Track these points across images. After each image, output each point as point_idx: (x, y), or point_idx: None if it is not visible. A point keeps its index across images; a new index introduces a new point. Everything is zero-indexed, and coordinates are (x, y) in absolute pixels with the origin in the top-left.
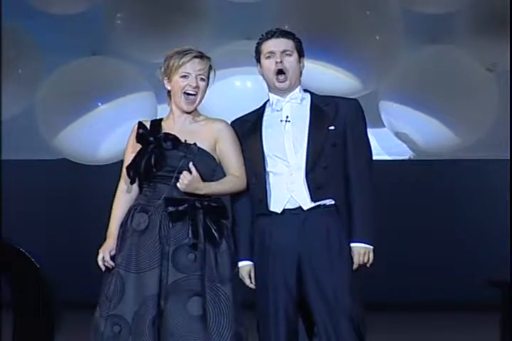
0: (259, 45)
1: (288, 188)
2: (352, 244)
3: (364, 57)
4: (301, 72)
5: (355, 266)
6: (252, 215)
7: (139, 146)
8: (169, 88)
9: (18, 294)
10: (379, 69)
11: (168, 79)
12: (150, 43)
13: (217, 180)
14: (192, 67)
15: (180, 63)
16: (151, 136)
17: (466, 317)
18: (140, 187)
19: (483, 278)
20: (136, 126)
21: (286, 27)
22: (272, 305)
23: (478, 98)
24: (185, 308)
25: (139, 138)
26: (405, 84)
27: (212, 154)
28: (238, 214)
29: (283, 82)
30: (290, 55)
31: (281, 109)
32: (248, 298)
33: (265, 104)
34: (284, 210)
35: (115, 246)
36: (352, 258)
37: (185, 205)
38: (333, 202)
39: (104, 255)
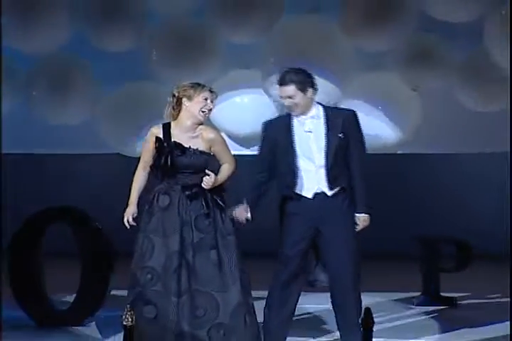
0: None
1: (317, 180)
2: (357, 214)
3: (331, 79)
4: (311, 99)
5: (359, 229)
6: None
7: (150, 142)
8: (187, 105)
9: (85, 247)
10: (340, 89)
11: (188, 99)
12: (177, 72)
13: (208, 166)
14: (209, 95)
15: (203, 90)
16: (165, 142)
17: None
18: (161, 177)
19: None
20: (153, 129)
21: (272, 59)
22: (293, 245)
23: (402, 108)
24: (209, 258)
25: (157, 145)
26: (359, 96)
27: (206, 151)
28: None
29: (294, 112)
30: (293, 97)
31: (303, 124)
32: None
33: (290, 115)
34: (314, 194)
35: (136, 210)
36: (353, 219)
37: (197, 189)
38: (343, 186)
39: (128, 218)
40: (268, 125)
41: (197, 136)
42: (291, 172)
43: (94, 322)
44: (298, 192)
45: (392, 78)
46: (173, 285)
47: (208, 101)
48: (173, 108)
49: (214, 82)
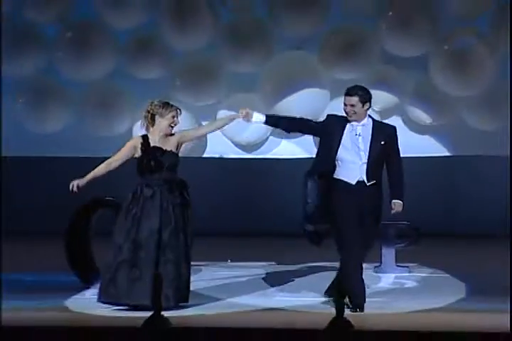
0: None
1: (360, 171)
2: (393, 200)
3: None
4: (366, 110)
5: (394, 212)
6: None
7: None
8: (159, 120)
9: None
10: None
11: (160, 116)
12: (193, 94)
13: (177, 165)
14: (176, 113)
15: (172, 110)
16: (147, 147)
17: None
18: (142, 174)
19: None
20: (135, 138)
21: (267, 85)
22: (349, 222)
23: None
24: (179, 237)
25: (143, 149)
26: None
27: (176, 152)
28: None
29: (351, 118)
30: (354, 106)
31: (355, 129)
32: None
33: (347, 119)
34: (356, 182)
35: (84, 183)
36: (381, 204)
37: (173, 184)
38: (376, 180)
39: (73, 185)
40: (330, 117)
41: (169, 140)
42: (333, 163)
43: None
44: (342, 179)
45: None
46: (153, 254)
47: (175, 118)
48: (148, 122)
49: (221, 102)
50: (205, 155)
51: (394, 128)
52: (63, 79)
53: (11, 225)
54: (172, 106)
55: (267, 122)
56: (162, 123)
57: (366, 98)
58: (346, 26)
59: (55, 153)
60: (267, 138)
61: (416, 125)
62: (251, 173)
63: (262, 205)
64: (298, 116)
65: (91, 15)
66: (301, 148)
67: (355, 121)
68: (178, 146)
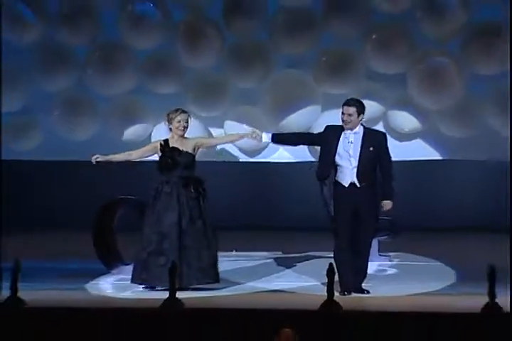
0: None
1: (351, 175)
2: (383, 201)
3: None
4: (360, 120)
5: (384, 210)
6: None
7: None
8: (170, 126)
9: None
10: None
11: (169, 122)
12: (204, 107)
13: (194, 165)
14: (182, 117)
15: (176, 115)
16: (167, 147)
17: None
18: (162, 172)
19: None
20: (159, 140)
21: (267, 99)
22: (342, 218)
23: None
24: (196, 226)
25: (162, 149)
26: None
27: (193, 153)
28: None
29: (346, 126)
30: (351, 115)
31: (348, 138)
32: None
33: (342, 128)
34: (349, 184)
35: (105, 159)
36: (374, 203)
37: (188, 180)
38: (368, 182)
39: (100, 157)
40: (328, 127)
41: (186, 143)
42: (333, 167)
43: None
44: (339, 181)
45: None
46: (176, 243)
47: (181, 122)
48: (169, 128)
49: (226, 114)
50: (215, 160)
51: (383, 134)
52: (92, 94)
53: (46, 220)
54: (178, 111)
55: (273, 141)
56: (172, 127)
57: (362, 110)
58: (336, 48)
59: (85, 157)
60: (267, 145)
61: (396, 133)
62: (253, 175)
63: (262, 202)
64: (295, 125)
65: (116, 37)
66: (295, 154)
67: (349, 129)
68: (195, 149)
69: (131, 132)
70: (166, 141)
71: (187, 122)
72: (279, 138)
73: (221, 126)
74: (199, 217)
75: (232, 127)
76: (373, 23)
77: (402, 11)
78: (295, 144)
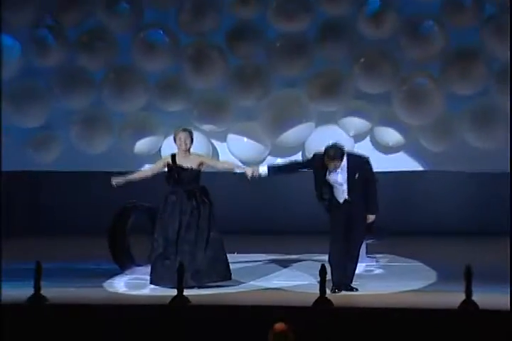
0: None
1: (343, 195)
2: (369, 215)
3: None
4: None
5: (370, 221)
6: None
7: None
8: (175, 143)
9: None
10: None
11: (174, 140)
12: (206, 122)
13: (199, 178)
14: (183, 135)
15: (177, 133)
16: (173, 164)
17: None
18: (170, 184)
19: None
20: (168, 156)
21: (266, 115)
22: (338, 225)
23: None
24: (195, 233)
25: (169, 165)
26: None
27: (197, 168)
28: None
29: (335, 170)
30: (336, 164)
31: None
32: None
33: None
34: (343, 201)
35: (124, 181)
36: (364, 214)
37: (192, 192)
38: (357, 199)
39: (119, 180)
40: (316, 155)
41: (191, 159)
42: (330, 189)
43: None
44: (335, 197)
45: (336, 128)
46: (175, 248)
47: (182, 139)
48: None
49: (229, 129)
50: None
51: (366, 159)
52: (107, 111)
53: (66, 225)
54: (179, 130)
55: (269, 173)
56: (177, 143)
57: (343, 157)
58: (328, 70)
59: (101, 168)
60: (265, 157)
61: (381, 146)
62: (253, 183)
63: (262, 208)
64: (291, 139)
65: (129, 61)
66: None
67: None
68: (199, 165)
69: (142, 145)
70: (174, 156)
71: (188, 139)
72: (274, 170)
73: (224, 140)
74: (199, 225)
75: (234, 141)
76: (361, 48)
77: (387, 37)
78: (288, 173)
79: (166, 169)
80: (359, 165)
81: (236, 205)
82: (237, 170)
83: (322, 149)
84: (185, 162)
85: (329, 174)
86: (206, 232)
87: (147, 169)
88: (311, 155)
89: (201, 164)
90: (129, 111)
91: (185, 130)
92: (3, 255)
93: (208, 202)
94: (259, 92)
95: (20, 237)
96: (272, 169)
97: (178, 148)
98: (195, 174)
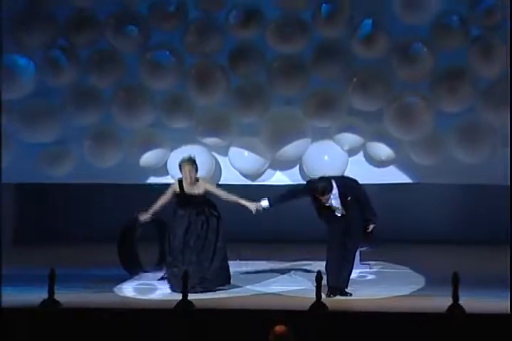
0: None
1: (340, 211)
2: (369, 223)
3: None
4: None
5: (370, 229)
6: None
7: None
8: (181, 173)
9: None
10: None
11: (180, 170)
12: (210, 137)
13: (205, 198)
14: (188, 166)
15: (183, 165)
16: (181, 191)
17: None
18: (178, 205)
19: None
20: (175, 185)
21: (266, 131)
22: (336, 234)
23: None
24: (202, 244)
25: (177, 193)
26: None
27: (203, 193)
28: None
29: (326, 201)
30: (326, 197)
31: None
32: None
33: None
34: (341, 215)
35: (149, 215)
36: (360, 223)
37: (200, 209)
38: (354, 212)
39: (146, 215)
40: (310, 182)
41: (198, 186)
42: (328, 210)
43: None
44: (337, 214)
45: (331, 143)
46: (181, 257)
47: (187, 173)
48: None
49: (232, 143)
50: (221, 182)
51: (353, 181)
52: (116, 127)
53: (78, 234)
54: (184, 162)
55: (271, 204)
56: (182, 174)
57: (332, 190)
58: (323, 88)
59: (110, 181)
60: (265, 170)
61: (374, 160)
62: (254, 195)
63: (263, 219)
64: (289, 153)
65: (137, 79)
66: (289, 177)
67: None
68: (206, 190)
69: (149, 159)
70: (181, 182)
71: (193, 171)
72: (275, 201)
73: (226, 154)
74: (208, 237)
75: (236, 154)
76: (354, 68)
77: (379, 58)
78: (288, 202)
79: (175, 194)
80: (349, 189)
81: (236, 215)
82: (239, 203)
83: (317, 166)
84: (192, 189)
85: (325, 202)
86: (213, 243)
87: (161, 200)
88: (306, 183)
89: (207, 190)
90: (137, 127)
91: (189, 162)
92: (20, 262)
93: (216, 215)
94: (259, 109)
95: (35, 245)
96: (273, 201)
97: (184, 180)
98: (203, 197)
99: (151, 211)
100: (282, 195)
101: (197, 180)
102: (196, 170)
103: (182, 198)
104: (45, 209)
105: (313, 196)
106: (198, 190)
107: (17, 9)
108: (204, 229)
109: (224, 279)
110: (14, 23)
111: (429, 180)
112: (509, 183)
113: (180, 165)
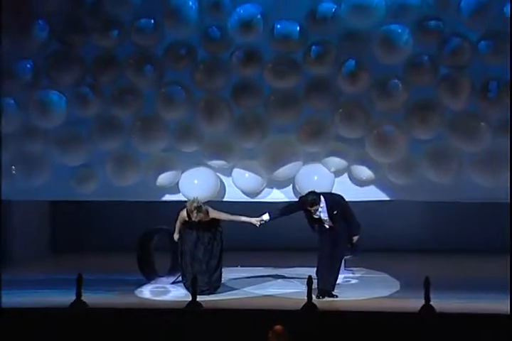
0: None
1: (329, 223)
2: (353, 237)
3: (291, 166)
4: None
5: (355, 240)
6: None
7: (181, 220)
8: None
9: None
10: (294, 170)
11: (189, 212)
12: (215, 160)
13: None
14: (195, 212)
15: (192, 211)
16: (189, 219)
17: None
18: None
19: None
20: (184, 214)
21: (263, 167)
22: (325, 244)
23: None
24: (207, 256)
25: (186, 221)
26: (308, 174)
27: (208, 219)
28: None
29: (315, 211)
30: (316, 208)
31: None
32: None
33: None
34: (329, 226)
35: (177, 236)
36: (346, 233)
37: (207, 228)
38: (339, 224)
39: (176, 235)
40: (301, 198)
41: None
42: (318, 222)
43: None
44: (325, 226)
45: (320, 165)
46: (190, 267)
47: (195, 215)
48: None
49: (235, 166)
50: (225, 199)
51: (339, 196)
52: (135, 152)
53: (103, 243)
54: (192, 207)
55: (271, 218)
56: (191, 214)
57: (320, 201)
58: (314, 117)
59: (132, 198)
60: (263, 188)
61: (357, 180)
62: (253, 211)
63: (261, 229)
64: (284, 174)
65: (153, 110)
66: (284, 194)
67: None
68: (212, 218)
69: (163, 179)
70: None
71: (201, 215)
72: (274, 215)
73: (229, 175)
74: (213, 251)
75: (238, 175)
76: (340, 101)
77: (361, 92)
78: (286, 215)
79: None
80: (335, 203)
81: (237, 227)
82: (246, 221)
83: (308, 185)
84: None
85: (314, 213)
86: (218, 256)
87: (177, 224)
88: (299, 199)
89: (213, 218)
90: (153, 152)
91: (197, 210)
92: (53, 268)
93: (220, 231)
94: (258, 136)
95: (65, 253)
96: (273, 214)
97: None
98: (210, 221)
99: (176, 233)
100: (280, 209)
101: (206, 212)
102: (202, 214)
103: (190, 225)
104: (74, 223)
105: (304, 209)
106: (205, 218)
107: (51, 51)
108: (211, 244)
109: (219, 283)
110: (48, 64)
111: (405, 197)
112: (499, 200)
113: (188, 208)
